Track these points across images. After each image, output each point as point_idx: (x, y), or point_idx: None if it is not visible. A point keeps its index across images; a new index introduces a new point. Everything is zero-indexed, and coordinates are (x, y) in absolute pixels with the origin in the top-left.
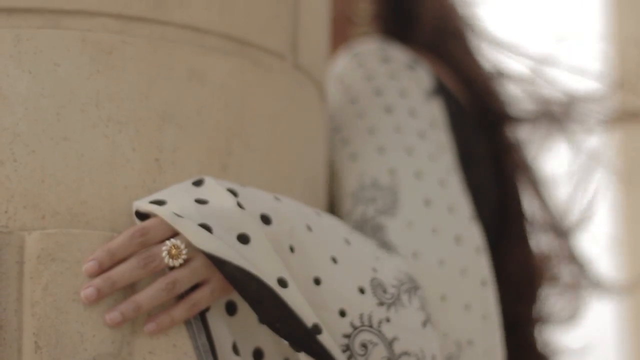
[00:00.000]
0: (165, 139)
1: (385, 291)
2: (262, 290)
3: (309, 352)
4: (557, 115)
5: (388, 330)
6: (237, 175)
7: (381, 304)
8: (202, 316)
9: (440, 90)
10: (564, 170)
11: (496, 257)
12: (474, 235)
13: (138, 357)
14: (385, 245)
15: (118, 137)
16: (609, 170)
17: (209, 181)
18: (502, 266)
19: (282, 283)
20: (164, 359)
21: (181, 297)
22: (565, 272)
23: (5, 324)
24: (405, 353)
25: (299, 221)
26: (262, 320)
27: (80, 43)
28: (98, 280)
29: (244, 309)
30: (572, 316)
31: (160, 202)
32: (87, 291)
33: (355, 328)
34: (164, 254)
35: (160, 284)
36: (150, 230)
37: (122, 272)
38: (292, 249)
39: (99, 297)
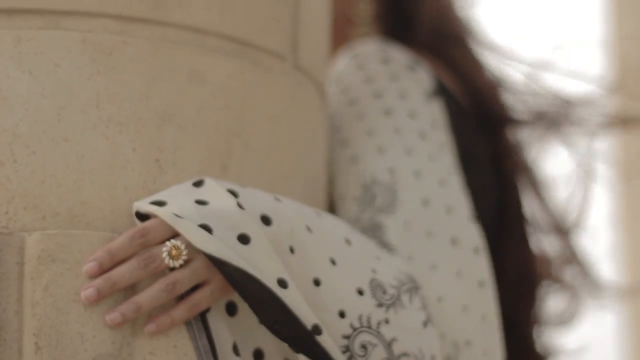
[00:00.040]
0: (165, 139)
1: (384, 292)
2: (262, 292)
3: (307, 354)
4: (556, 118)
5: (387, 332)
6: (237, 175)
7: (380, 305)
8: (202, 317)
9: (441, 91)
10: (563, 171)
11: (496, 257)
12: (472, 236)
13: (138, 357)
14: (385, 246)
15: (118, 137)
16: (608, 173)
17: (209, 182)
18: (502, 267)
19: (282, 284)
20: (165, 359)
21: (181, 297)
22: (565, 273)
23: (6, 325)
24: (405, 354)
25: (299, 222)
26: (262, 321)
27: (80, 44)
28: (98, 281)
29: (245, 310)
30: (571, 317)
31: (160, 203)
32: (88, 292)
33: (354, 329)
34: (165, 254)
35: (160, 285)
36: (150, 231)
37: (123, 273)
38: (292, 250)
39: (99, 297)
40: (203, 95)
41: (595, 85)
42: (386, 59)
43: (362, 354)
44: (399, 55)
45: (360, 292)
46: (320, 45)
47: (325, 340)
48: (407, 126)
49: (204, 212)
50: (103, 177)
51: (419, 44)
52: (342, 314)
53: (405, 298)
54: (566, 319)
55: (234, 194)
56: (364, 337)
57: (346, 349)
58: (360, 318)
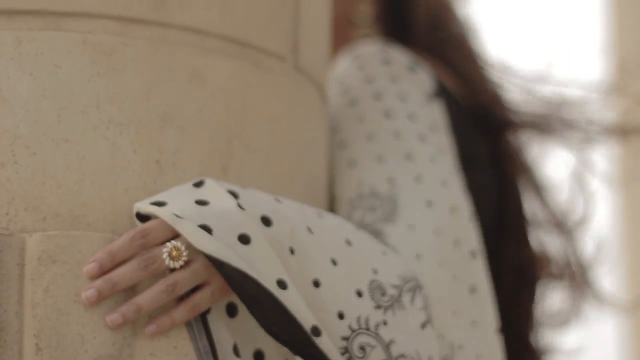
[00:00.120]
0: (166, 140)
1: (383, 294)
2: (260, 293)
3: (305, 357)
4: (556, 120)
5: (385, 333)
6: (237, 176)
7: (378, 307)
8: (202, 318)
9: (441, 91)
10: (564, 172)
11: (496, 257)
12: (470, 239)
13: (139, 358)
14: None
15: (119, 138)
16: (609, 174)
17: (209, 182)
18: (501, 267)
19: (282, 285)
20: None
21: (182, 298)
22: (564, 273)
23: (6, 326)
24: (402, 356)
25: (300, 223)
26: (260, 323)
27: (80, 45)
28: (99, 282)
29: (245, 311)
30: (571, 318)
31: (160, 204)
32: (88, 293)
33: (353, 330)
34: (165, 255)
35: (160, 286)
36: (150, 232)
37: (123, 274)
38: (292, 251)
39: (100, 298)
40: (203, 96)
41: (594, 87)
42: (387, 60)
43: (360, 355)
44: (400, 56)
45: (359, 294)
46: (320, 46)
47: (324, 342)
48: (407, 129)
49: (204, 212)
50: (103, 178)
51: (419, 45)
52: (341, 315)
53: (406, 298)
54: (566, 319)
55: (234, 194)
56: (363, 339)
57: (345, 351)
58: (358, 320)
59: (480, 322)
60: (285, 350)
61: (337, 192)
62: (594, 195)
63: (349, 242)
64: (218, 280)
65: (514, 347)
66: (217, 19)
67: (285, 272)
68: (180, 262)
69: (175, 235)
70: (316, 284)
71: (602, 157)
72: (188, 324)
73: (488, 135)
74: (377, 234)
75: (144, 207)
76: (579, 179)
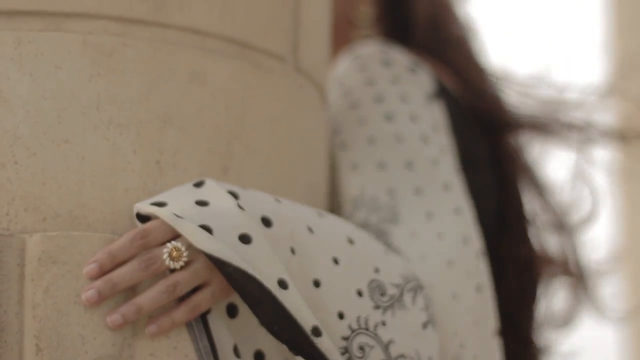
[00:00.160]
0: (166, 141)
1: (383, 294)
2: (261, 293)
3: (305, 356)
4: (556, 122)
5: (384, 334)
6: (238, 177)
7: (377, 307)
8: (203, 318)
9: (442, 92)
10: (564, 172)
11: (497, 259)
12: (476, 239)
13: (139, 359)
14: (388, 247)
15: (119, 139)
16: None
17: (209, 183)
18: (502, 268)
19: (283, 284)
20: None
21: (182, 299)
22: (566, 274)
23: (6, 327)
24: (401, 356)
25: (300, 223)
26: (261, 322)
27: (81, 46)
28: (99, 283)
29: (245, 311)
30: (572, 318)
31: (160, 204)
32: (88, 293)
33: (353, 330)
34: (165, 256)
35: (161, 286)
36: (151, 233)
37: (123, 275)
38: (292, 251)
39: (100, 299)
40: (203, 97)
41: (594, 89)
42: (387, 61)
43: (360, 355)
44: (400, 57)
45: (360, 294)
46: (320, 47)
47: (324, 342)
48: (408, 132)
49: (205, 212)
50: (104, 179)
51: (419, 46)
52: (341, 315)
53: (407, 297)
54: (567, 320)
55: (234, 195)
56: (362, 339)
57: (345, 351)
58: (358, 319)
59: (481, 322)
60: (285, 350)
61: (340, 191)
62: (595, 195)
63: (350, 241)
64: (218, 281)
65: (514, 347)
66: (217, 19)
67: (286, 271)
68: (181, 263)
69: (176, 236)
70: (316, 283)
71: (602, 158)
72: (188, 325)
73: (488, 136)
74: (381, 234)
75: (144, 207)
76: (579, 180)
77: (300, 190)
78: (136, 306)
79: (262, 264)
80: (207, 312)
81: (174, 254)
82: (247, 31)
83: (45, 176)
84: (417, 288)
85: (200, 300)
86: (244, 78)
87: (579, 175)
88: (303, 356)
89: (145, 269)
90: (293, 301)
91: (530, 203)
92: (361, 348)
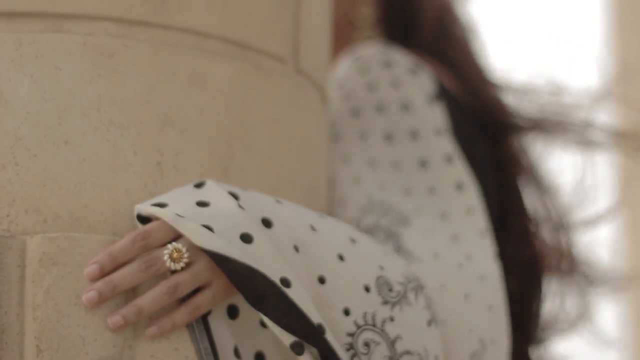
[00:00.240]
0: (166, 142)
1: (390, 289)
2: (268, 287)
3: (318, 348)
4: (557, 124)
5: (391, 329)
6: (238, 178)
7: (385, 302)
8: (203, 320)
9: (443, 94)
10: (566, 173)
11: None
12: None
13: None
14: (400, 250)
15: (119, 140)
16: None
17: (210, 184)
18: (505, 269)
19: (285, 283)
20: None
21: (183, 300)
22: (568, 271)
23: (7, 328)
24: (408, 352)
25: (302, 222)
26: (269, 317)
27: (81, 47)
28: (99, 284)
29: (246, 313)
30: (578, 321)
31: (161, 205)
32: (89, 295)
33: (358, 327)
34: (166, 257)
35: (161, 288)
36: (151, 234)
37: (124, 276)
38: (296, 249)
39: (101, 300)
40: (204, 99)
41: (594, 91)
42: (388, 63)
43: (365, 351)
44: (401, 58)
45: (367, 289)
46: (321, 48)
47: (330, 338)
48: (407, 158)
49: (205, 213)
50: (104, 180)
51: (421, 47)
52: (346, 312)
53: (411, 295)
54: (572, 324)
55: (234, 196)
56: (368, 335)
57: (350, 347)
58: (365, 316)
59: (506, 318)
60: (286, 352)
61: (343, 196)
62: (596, 196)
63: (353, 240)
64: (219, 282)
65: (520, 345)
66: (218, 21)
67: (290, 270)
68: (181, 264)
69: (176, 237)
70: (322, 280)
71: (603, 160)
72: (189, 326)
73: (489, 137)
74: (392, 235)
75: (145, 208)
76: (581, 181)
77: (300, 191)
78: (137, 307)
79: (264, 263)
80: (208, 313)
81: (175, 255)
82: (247, 32)
83: (46, 177)
84: (418, 288)
85: (201, 301)
86: (245, 79)
87: (581, 177)
88: (316, 347)
89: (145, 270)
90: (299, 297)
91: (532, 204)
92: (366, 344)
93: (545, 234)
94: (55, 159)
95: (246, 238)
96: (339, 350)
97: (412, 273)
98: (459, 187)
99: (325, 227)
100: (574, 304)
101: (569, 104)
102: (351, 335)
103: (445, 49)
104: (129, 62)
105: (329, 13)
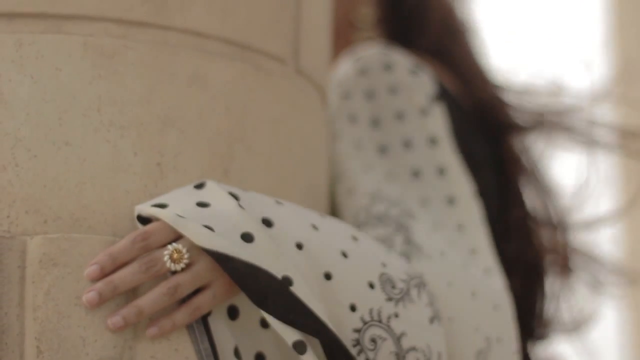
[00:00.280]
0: (166, 143)
1: (394, 286)
2: (271, 284)
3: (327, 342)
4: (557, 124)
5: (396, 326)
6: (239, 179)
7: (390, 299)
8: (204, 320)
9: (443, 95)
10: (567, 174)
11: (500, 259)
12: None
13: None
14: (410, 243)
15: (120, 141)
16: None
17: (210, 184)
18: (507, 269)
19: (288, 280)
20: None
21: (183, 301)
22: (571, 270)
23: (7, 329)
24: (413, 348)
25: (303, 222)
26: (274, 314)
27: (81, 48)
28: (100, 285)
29: (246, 313)
30: (581, 324)
31: (161, 206)
32: (89, 295)
33: (365, 323)
34: (166, 258)
35: (162, 289)
36: (152, 235)
37: (124, 277)
38: (299, 246)
39: (101, 301)
40: (204, 99)
41: (595, 91)
42: (388, 64)
43: (371, 347)
44: (402, 59)
45: (371, 286)
46: (321, 49)
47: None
48: (400, 168)
49: (205, 214)
50: (104, 181)
51: (421, 48)
52: (353, 308)
53: (414, 292)
54: (577, 325)
55: (235, 196)
56: (374, 331)
57: (356, 343)
58: (370, 312)
59: (513, 316)
60: (286, 353)
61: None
62: (598, 196)
63: (355, 238)
64: (220, 282)
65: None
66: (218, 22)
67: (292, 267)
68: (182, 265)
69: (177, 238)
70: (327, 276)
71: (603, 159)
72: (189, 327)
73: (490, 137)
74: (401, 227)
75: (145, 209)
76: (582, 181)
77: (301, 192)
78: (137, 308)
79: (266, 260)
80: (208, 314)
81: (175, 256)
82: (247, 33)
83: (46, 178)
84: (421, 285)
85: (201, 302)
86: (245, 80)
87: (582, 177)
88: (324, 342)
89: (146, 271)
90: (303, 294)
91: (533, 204)
92: (373, 340)
93: (546, 234)
94: (55, 159)
95: (247, 237)
96: (347, 344)
97: (413, 270)
98: (450, 201)
99: (327, 226)
100: (576, 304)
101: (569, 104)
102: (358, 331)
103: (447, 50)
104: (129, 62)
105: (329, 14)
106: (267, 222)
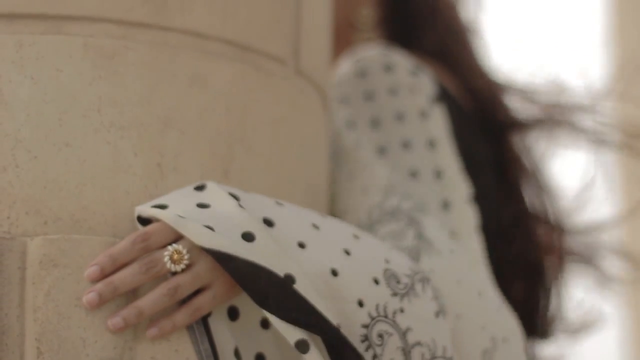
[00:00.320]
0: (167, 144)
1: (398, 282)
2: (274, 283)
3: (330, 340)
4: (559, 122)
5: (402, 321)
6: (239, 180)
7: (395, 294)
8: (204, 321)
9: (443, 96)
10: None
11: (503, 261)
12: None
13: None
14: (421, 238)
15: (120, 142)
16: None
17: (210, 185)
18: (509, 270)
19: (290, 279)
20: None
21: (183, 302)
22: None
23: (8, 330)
24: (418, 343)
25: (304, 222)
26: (277, 314)
27: (82, 48)
28: (100, 286)
29: (246, 314)
30: (586, 324)
31: (161, 207)
32: (89, 296)
33: (372, 318)
34: (166, 259)
35: (162, 290)
36: (152, 235)
37: (124, 278)
38: (301, 245)
39: (101, 302)
40: (204, 100)
41: (596, 89)
42: (389, 65)
43: (379, 343)
44: (402, 60)
45: (376, 282)
46: (321, 50)
47: (343, 330)
48: (399, 166)
49: (206, 214)
50: (105, 182)
51: (422, 49)
52: (360, 303)
53: (418, 287)
54: (581, 327)
55: (235, 197)
56: (381, 327)
57: (365, 338)
58: (377, 307)
59: (515, 319)
60: (287, 353)
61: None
62: (598, 196)
63: (356, 236)
64: (220, 283)
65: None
66: (218, 22)
67: (294, 266)
68: (182, 266)
69: (177, 239)
70: (334, 273)
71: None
72: (189, 328)
73: (491, 137)
74: (413, 222)
75: (146, 210)
76: (583, 181)
77: (301, 193)
78: (137, 309)
79: (268, 259)
80: (208, 315)
81: (175, 256)
82: (248, 34)
83: (46, 179)
84: (425, 279)
85: (202, 303)
86: (245, 81)
87: (584, 177)
88: (327, 337)
89: (146, 272)
90: (306, 292)
91: (534, 204)
92: (380, 335)
93: (547, 233)
94: (55, 160)
95: (248, 237)
96: (353, 340)
97: (417, 265)
98: (445, 205)
99: (328, 225)
100: (579, 303)
101: (570, 102)
102: (366, 326)
103: (448, 50)
104: (130, 63)
105: (329, 14)
106: (268, 222)
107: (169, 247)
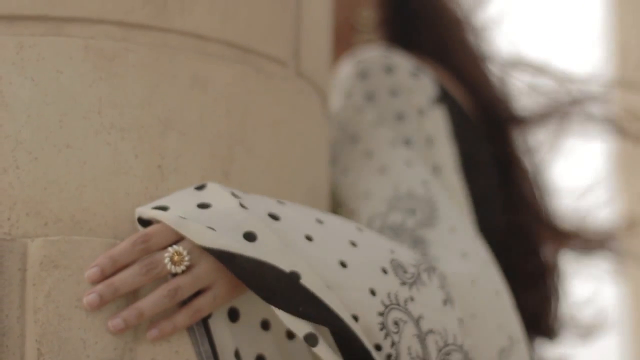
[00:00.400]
0: (167, 145)
1: (405, 271)
2: (279, 279)
3: (342, 334)
4: (560, 116)
5: (414, 309)
6: (239, 181)
7: (403, 283)
8: (204, 322)
9: (444, 97)
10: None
11: (505, 262)
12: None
13: None
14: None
15: (120, 144)
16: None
17: (211, 185)
18: (511, 270)
19: (295, 274)
20: None
21: (184, 303)
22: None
23: (8, 331)
24: (431, 331)
25: (308, 217)
26: (283, 308)
27: (82, 50)
28: (100, 287)
29: (246, 316)
30: (592, 330)
31: (162, 208)
32: (90, 298)
33: (386, 306)
34: (167, 260)
35: (162, 291)
36: (152, 237)
37: (125, 279)
38: (309, 238)
39: (102, 303)
40: (205, 102)
41: (596, 81)
42: (389, 66)
43: (395, 330)
44: (403, 61)
45: (384, 271)
46: (322, 51)
47: (350, 323)
48: (396, 160)
49: (207, 215)
50: (105, 183)
51: (423, 50)
52: (373, 292)
53: (424, 276)
54: (588, 331)
55: (236, 196)
56: (396, 314)
57: (382, 326)
58: (389, 295)
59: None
60: (287, 354)
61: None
62: (598, 196)
63: (359, 229)
64: (220, 284)
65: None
66: (219, 24)
67: (299, 261)
68: (182, 267)
69: (177, 240)
70: (343, 264)
71: (604, 151)
72: (190, 329)
73: (492, 137)
74: (418, 241)
75: (146, 211)
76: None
77: (301, 194)
78: (137, 310)
79: (272, 256)
80: (209, 316)
81: (175, 258)
82: (248, 36)
83: (47, 181)
84: (430, 269)
85: (202, 304)
86: (245, 82)
87: (584, 178)
88: (339, 334)
89: (146, 273)
90: (313, 285)
91: (534, 205)
92: (396, 323)
93: (549, 235)
94: (56, 162)
95: (249, 236)
96: (361, 335)
97: (420, 256)
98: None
99: (331, 220)
100: (583, 303)
101: (571, 94)
102: (381, 314)
103: (448, 51)
104: (130, 65)
105: (330, 16)
106: (274, 217)
107: (170, 249)
